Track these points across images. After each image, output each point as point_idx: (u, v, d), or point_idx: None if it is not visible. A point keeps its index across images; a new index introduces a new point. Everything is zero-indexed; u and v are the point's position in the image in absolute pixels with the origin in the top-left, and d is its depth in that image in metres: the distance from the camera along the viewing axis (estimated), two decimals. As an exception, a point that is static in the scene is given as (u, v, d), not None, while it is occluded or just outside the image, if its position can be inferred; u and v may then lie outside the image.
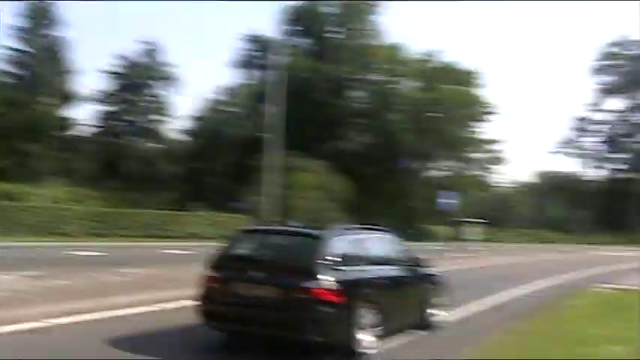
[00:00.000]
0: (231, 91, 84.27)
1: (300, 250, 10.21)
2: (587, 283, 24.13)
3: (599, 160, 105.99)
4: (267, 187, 36.98)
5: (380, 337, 10.17)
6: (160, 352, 9.64)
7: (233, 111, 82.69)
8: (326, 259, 9.57)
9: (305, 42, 73.50)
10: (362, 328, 9.77)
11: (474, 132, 76.49)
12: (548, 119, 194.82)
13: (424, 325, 12.53)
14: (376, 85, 72.67)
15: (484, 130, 77.14)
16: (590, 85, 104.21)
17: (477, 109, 74.78)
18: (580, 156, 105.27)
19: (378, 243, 11.88)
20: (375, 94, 72.30)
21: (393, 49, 71.94)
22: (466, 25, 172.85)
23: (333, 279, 9.37)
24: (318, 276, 9.33)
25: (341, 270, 9.70)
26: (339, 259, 9.78)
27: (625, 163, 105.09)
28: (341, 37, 71.42)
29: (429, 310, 12.76)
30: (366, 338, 9.84)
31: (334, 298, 9.25)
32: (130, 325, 11.29)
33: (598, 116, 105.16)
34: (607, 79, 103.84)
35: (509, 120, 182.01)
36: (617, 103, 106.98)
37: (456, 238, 68.62)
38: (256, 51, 72.79)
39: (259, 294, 9.57)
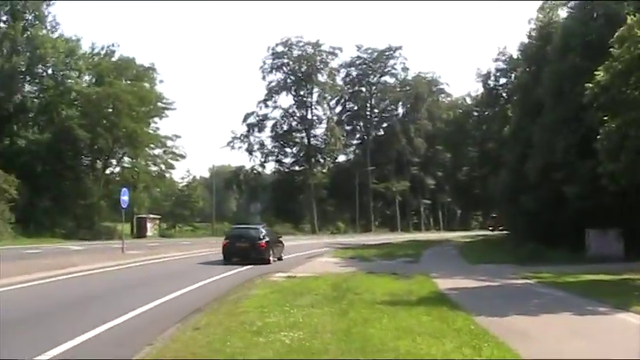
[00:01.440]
0: None
1: (255, 232, 33.57)
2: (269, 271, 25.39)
3: (269, 154, 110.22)
4: None
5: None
6: None
7: None
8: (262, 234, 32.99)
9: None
10: (270, 255, 32.14)
11: (152, 128, 76.17)
12: (226, 115, 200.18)
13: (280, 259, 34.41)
14: (49, 79, 69.57)
15: (163, 126, 77.19)
16: (263, 82, 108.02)
17: (155, 105, 74.46)
18: (251, 151, 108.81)
19: (264, 227, 36.77)
20: (48, 89, 69.22)
21: (67, 43, 69.30)
22: (141, 18, 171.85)
23: (264, 240, 32.36)
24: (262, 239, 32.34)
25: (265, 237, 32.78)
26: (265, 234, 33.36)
27: (293, 156, 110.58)
28: (7, 26, 67.42)
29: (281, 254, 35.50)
30: (271, 257, 32.09)
31: (264, 245, 31.90)
32: None
33: (268, 112, 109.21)
34: (275, 77, 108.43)
35: (188, 116, 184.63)
36: (284, 99, 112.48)
37: (136, 235, 68.21)
38: None
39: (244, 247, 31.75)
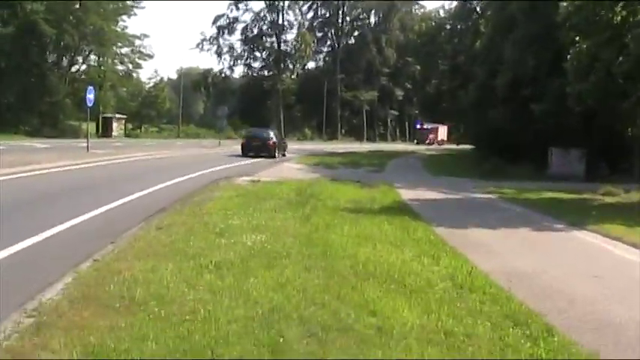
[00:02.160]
0: None
1: (266, 134, 45.51)
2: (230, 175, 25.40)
3: (238, 57, 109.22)
4: None
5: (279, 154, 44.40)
6: None
7: None
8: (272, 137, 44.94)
9: None
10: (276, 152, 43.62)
11: (120, 26, 74.86)
12: (195, 16, 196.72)
13: (284, 155, 45.73)
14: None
15: (131, 24, 75.92)
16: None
17: (123, 3, 73.03)
18: (220, 53, 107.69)
19: (274, 131, 49.85)
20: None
21: None
22: None
23: (273, 140, 44.29)
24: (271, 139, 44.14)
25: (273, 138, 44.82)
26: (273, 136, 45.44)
27: (263, 61, 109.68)
28: None
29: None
30: (277, 154, 43.41)
31: (273, 144, 43.70)
32: None
33: (239, 15, 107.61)
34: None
35: (157, 15, 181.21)
36: (256, 3, 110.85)
37: (102, 135, 67.74)
38: None
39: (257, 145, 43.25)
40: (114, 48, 73.64)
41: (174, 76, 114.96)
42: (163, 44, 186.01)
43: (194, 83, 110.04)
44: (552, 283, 9.80)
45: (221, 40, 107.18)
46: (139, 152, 39.67)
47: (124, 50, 77.07)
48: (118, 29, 73.85)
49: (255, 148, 42.74)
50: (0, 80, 58.18)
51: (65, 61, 72.35)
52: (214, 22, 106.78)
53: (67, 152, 33.88)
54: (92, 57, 74.42)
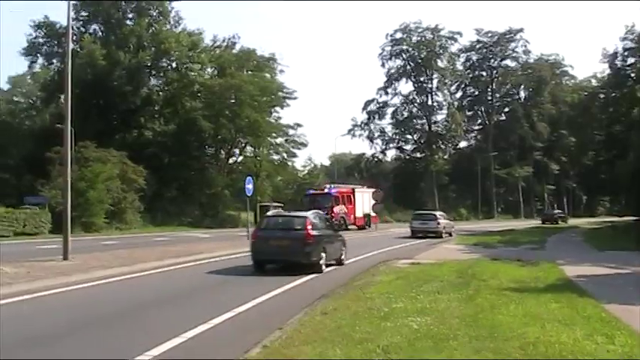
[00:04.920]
0: (23, 81, 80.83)
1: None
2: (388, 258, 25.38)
3: (389, 141, 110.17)
4: (63, 180, 34.86)
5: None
6: None
7: (25, 101, 79.44)
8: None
9: (96, 28, 71.23)
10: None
11: (274, 117, 77.46)
12: (347, 103, 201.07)
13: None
14: (174, 72, 71.93)
15: (284, 115, 78.41)
16: (382, 69, 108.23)
17: (276, 95, 75.63)
18: (371, 138, 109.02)
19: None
20: (172, 82, 71.60)
21: (190, 37, 71.40)
22: (261, 10, 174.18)
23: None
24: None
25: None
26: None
27: (414, 143, 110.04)
28: (133, 23, 69.77)
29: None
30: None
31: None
32: None
33: (388, 99, 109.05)
34: (395, 64, 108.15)
35: (309, 104, 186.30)
36: (404, 86, 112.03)
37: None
38: (48, 38, 69.63)
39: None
40: (268, 138, 76.02)
41: (327, 162, 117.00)
42: (316, 132, 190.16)
43: (347, 169, 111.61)
44: None
45: (372, 125, 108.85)
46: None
47: (279, 140, 79.46)
48: (272, 120, 76.38)
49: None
50: (163, 175, 61.08)
51: (223, 154, 75.48)
52: (364, 107, 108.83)
53: (228, 241, 35.07)
54: (248, 148, 77.26)
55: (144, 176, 54.70)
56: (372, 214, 58.72)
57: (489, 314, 11.78)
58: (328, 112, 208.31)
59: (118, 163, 52.28)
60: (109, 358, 9.22)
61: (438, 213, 49.92)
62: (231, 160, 76.76)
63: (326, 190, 55.82)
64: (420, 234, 42.96)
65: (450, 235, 46.04)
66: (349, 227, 52.65)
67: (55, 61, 69.84)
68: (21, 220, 42.39)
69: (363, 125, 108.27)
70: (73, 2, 60.55)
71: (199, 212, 64.25)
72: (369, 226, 57.57)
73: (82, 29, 68.80)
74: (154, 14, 70.82)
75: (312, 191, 56.19)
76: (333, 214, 49.48)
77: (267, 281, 17.81)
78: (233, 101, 69.47)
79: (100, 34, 70.25)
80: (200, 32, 73.56)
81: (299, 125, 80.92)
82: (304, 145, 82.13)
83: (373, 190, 60.31)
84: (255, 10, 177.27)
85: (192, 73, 71.65)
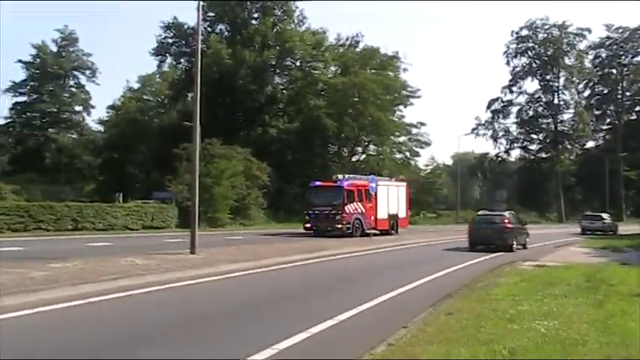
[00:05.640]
0: (152, 80, 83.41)
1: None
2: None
3: (514, 141, 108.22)
4: (189, 176, 35.80)
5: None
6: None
7: (154, 99, 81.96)
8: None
9: (222, 28, 72.96)
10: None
11: (397, 116, 77.48)
12: (470, 102, 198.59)
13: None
14: (298, 71, 72.93)
15: (408, 113, 78.22)
16: (507, 67, 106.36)
17: (399, 93, 75.57)
18: (495, 137, 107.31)
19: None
20: (296, 81, 72.60)
21: (314, 35, 72.20)
22: (385, 8, 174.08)
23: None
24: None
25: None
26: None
27: (539, 143, 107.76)
28: (258, 22, 71.14)
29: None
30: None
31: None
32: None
33: (513, 98, 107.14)
34: (520, 61, 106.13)
35: (432, 103, 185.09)
36: (530, 84, 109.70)
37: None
38: (177, 38, 71.82)
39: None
40: (392, 137, 76.00)
41: (450, 162, 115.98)
42: (439, 130, 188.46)
43: (470, 168, 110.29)
44: None
45: (496, 124, 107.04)
46: (419, 238, 40.20)
47: (402, 139, 79.40)
48: (395, 119, 76.34)
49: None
50: (286, 172, 61.83)
51: (346, 152, 75.88)
52: (488, 106, 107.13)
53: (351, 240, 35.27)
54: (371, 146, 77.44)
55: (267, 173, 55.44)
56: (402, 214, 47.40)
57: (620, 320, 11.33)
58: (451, 111, 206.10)
59: (242, 160, 53.13)
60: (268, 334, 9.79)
61: (604, 214, 62.04)
62: (354, 159, 77.13)
63: (337, 183, 41.77)
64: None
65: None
66: (367, 232, 40.11)
67: (182, 60, 72.01)
68: (149, 214, 43.81)
69: (486, 124, 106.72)
70: (202, 3, 62.23)
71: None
72: (396, 231, 45.32)
73: (209, 29, 70.55)
74: (279, 14, 72.02)
75: (317, 183, 43.45)
76: (343, 215, 39.43)
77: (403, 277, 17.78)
78: (356, 99, 69.83)
79: (226, 33, 72.01)
80: (324, 31, 74.49)
81: (422, 124, 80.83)
82: (427, 144, 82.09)
83: (404, 183, 50.41)
84: (379, 8, 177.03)
85: (316, 72, 72.52)
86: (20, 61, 73.56)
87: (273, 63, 71.53)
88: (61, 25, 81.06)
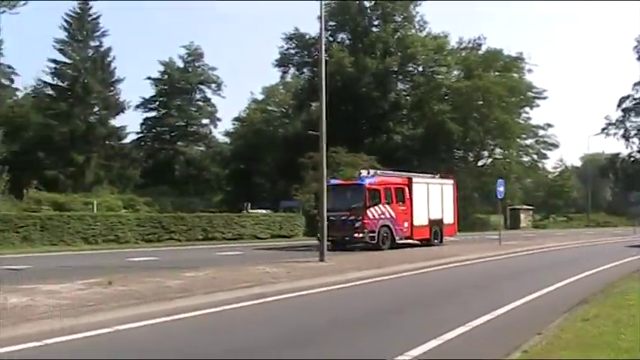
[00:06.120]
0: (276, 91, 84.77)
1: None
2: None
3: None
4: (316, 184, 35.71)
5: None
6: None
7: (278, 110, 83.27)
8: None
9: (344, 37, 73.58)
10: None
11: (523, 118, 76.10)
12: (598, 100, 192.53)
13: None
14: (420, 76, 72.69)
15: (534, 115, 76.63)
16: (637, 63, 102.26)
17: (525, 95, 74.22)
18: (627, 137, 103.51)
19: None
20: (419, 86, 72.33)
21: (435, 40, 71.84)
22: (507, 9, 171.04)
23: None
24: None
25: None
26: None
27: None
28: (379, 29, 71.37)
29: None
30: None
31: None
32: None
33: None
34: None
35: (560, 103, 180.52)
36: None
37: (509, 226, 68.12)
38: (299, 49, 72.87)
39: None
40: (518, 140, 74.67)
41: (578, 164, 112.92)
42: (567, 131, 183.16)
43: (601, 169, 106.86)
44: None
45: (628, 123, 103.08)
46: (552, 242, 39.31)
47: (529, 141, 77.89)
48: (522, 121, 74.96)
49: None
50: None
51: (471, 156, 74.99)
52: (619, 104, 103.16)
53: (481, 244, 34.85)
54: (497, 150, 76.18)
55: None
56: (448, 220, 37.76)
57: None
58: (580, 111, 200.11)
59: (369, 168, 53.24)
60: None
61: None
62: (480, 163, 76.07)
63: (357, 181, 33.82)
64: None
65: None
66: (399, 241, 33.00)
67: (305, 70, 72.98)
68: (277, 222, 44.50)
69: (617, 123, 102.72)
70: (324, 12, 62.85)
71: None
72: (440, 241, 36.08)
73: (331, 38, 71.09)
74: (399, 20, 71.98)
75: (335, 181, 34.85)
76: (364, 221, 31.22)
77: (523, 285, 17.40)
78: (481, 103, 69.02)
79: (348, 42, 72.49)
80: (445, 35, 73.90)
81: (549, 125, 78.90)
82: (555, 145, 79.96)
83: (451, 181, 40.81)
84: (501, 9, 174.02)
85: (439, 76, 72.12)
86: (149, 78, 76.27)
87: (396, 69, 71.54)
88: (187, 41, 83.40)
